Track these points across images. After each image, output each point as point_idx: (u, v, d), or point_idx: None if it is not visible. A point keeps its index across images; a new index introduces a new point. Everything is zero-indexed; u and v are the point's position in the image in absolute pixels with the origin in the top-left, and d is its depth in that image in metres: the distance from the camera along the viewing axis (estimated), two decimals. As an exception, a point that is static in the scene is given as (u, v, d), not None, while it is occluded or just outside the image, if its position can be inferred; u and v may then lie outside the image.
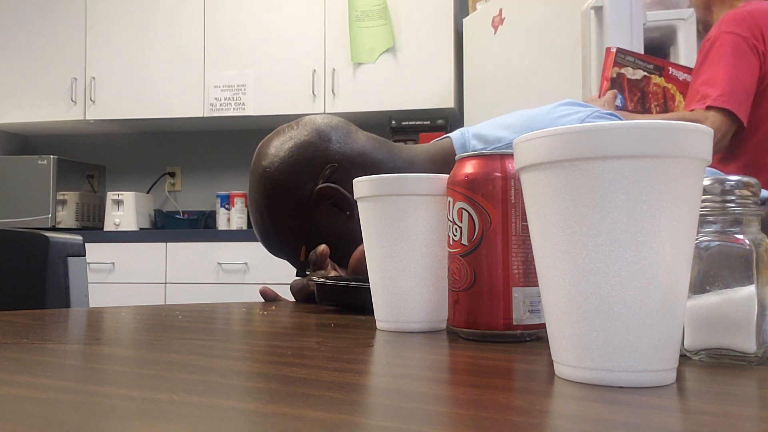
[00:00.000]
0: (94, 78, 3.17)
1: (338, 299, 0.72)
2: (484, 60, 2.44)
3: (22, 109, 3.22)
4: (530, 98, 2.24)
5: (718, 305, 0.40)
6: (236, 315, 0.68)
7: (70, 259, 1.09)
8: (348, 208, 0.86)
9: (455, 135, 0.91)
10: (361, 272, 0.78)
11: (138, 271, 2.82)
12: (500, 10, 2.35)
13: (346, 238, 0.86)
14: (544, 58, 2.19)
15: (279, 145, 0.88)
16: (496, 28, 2.36)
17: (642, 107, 1.67)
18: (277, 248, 0.91)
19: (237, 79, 3.05)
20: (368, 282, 0.58)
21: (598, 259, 0.32)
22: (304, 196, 0.86)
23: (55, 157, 3.06)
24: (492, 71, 2.40)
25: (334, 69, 2.97)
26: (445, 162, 0.88)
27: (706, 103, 1.34)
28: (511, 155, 0.48)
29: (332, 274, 0.82)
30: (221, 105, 3.06)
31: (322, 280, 0.74)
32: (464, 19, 2.58)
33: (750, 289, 0.39)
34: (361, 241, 0.80)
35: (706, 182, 0.40)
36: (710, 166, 1.41)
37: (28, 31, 3.24)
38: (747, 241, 0.39)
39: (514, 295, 0.47)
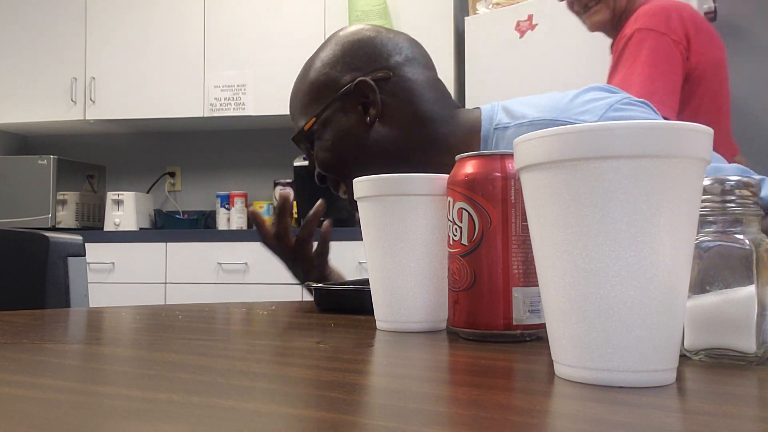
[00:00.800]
0: (94, 78, 3.17)
1: (337, 304, 0.72)
2: (500, 62, 2.43)
3: (22, 109, 3.22)
4: None
5: (718, 305, 0.40)
6: (236, 315, 0.68)
7: (70, 259, 1.09)
8: (373, 117, 0.83)
9: (486, 107, 0.90)
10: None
11: (138, 271, 2.82)
12: (530, 16, 2.35)
13: (351, 146, 0.84)
14: (575, 67, 2.20)
15: (364, 26, 0.89)
16: (523, 32, 2.37)
17: None
18: (295, 108, 0.92)
19: (237, 79, 3.05)
20: (368, 285, 0.58)
21: (598, 259, 0.32)
22: (346, 80, 0.85)
23: (55, 157, 3.06)
24: (510, 74, 2.40)
25: (334, 69, 2.96)
26: (471, 129, 0.87)
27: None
28: (511, 155, 0.48)
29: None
30: (221, 105, 3.06)
31: (321, 285, 0.74)
32: (466, 18, 2.57)
33: (750, 289, 0.39)
34: (364, 165, 0.80)
35: (706, 182, 0.40)
36: None
37: (28, 31, 3.23)
38: (747, 241, 0.39)
39: (514, 295, 0.47)
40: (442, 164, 0.69)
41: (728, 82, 1.37)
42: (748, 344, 0.38)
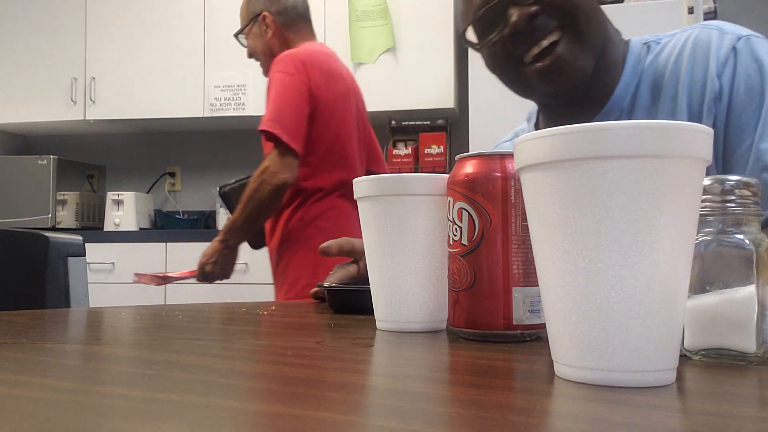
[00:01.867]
0: (94, 78, 3.17)
1: (351, 305, 0.71)
2: None
3: (22, 109, 3.22)
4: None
5: (718, 305, 0.40)
6: (236, 315, 0.68)
7: (70, 259, 1.09)
8: None
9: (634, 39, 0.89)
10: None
11: (138, 270, 2.82)
12: None
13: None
14: None
15: None
16: None
17: None
18: None
19: (237, 79, 3.05)
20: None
21: (598, 259, 0.32)
22: None
23: (55, 157, 3.06)
24: None
25: (334, 69, 2.96)
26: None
27: (259, 128, 1.56)
28: (511, 155, 0.48)
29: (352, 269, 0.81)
30: (221, 105, 3.06)
31: (334, 285, 0.73)
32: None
33: (750, 289, 0.39)
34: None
35: (706, 182, 0.40)
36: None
37: (28, 31, 3.24)
38: (747, 241, 0.39)
39: (514, 295, 0.47)
40: None
41: (352, 112, 1.72)
42: (748, 344, 0.38)
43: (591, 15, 0.81)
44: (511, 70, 0.85)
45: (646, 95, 0.84)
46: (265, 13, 1.78)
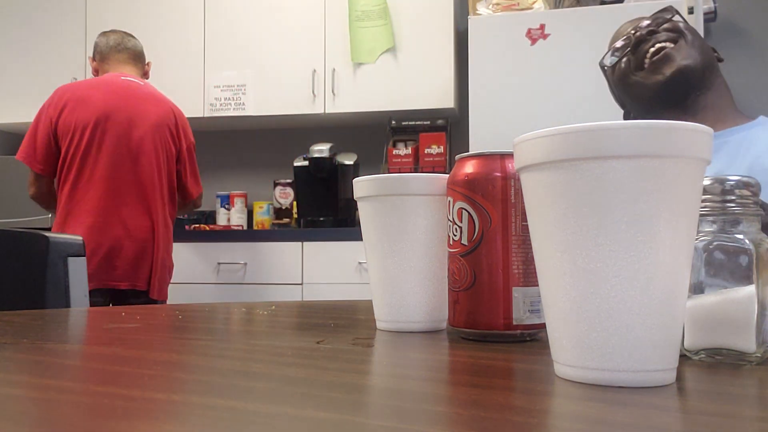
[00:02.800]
0: (94, 78, 3.17)
1: None
2: (508, 67, 2.45)
3: (22, 109, 3.22)
4: (549, 110, 2.35)
5: (718, 305, 0.40)
6: (236, 315, 0.68)
7: (70, 259, 1.09)
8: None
9: None
10: None
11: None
12: (542, 26, 2.38)
13: (710, 56, 1.13)
14: (587, 81, 2.30)
15: None
16: (534, 40, 2.40)
17: None
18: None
19: (237, 79, 3.05)
20: None
21: (598, 259, 0.32)
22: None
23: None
24: (519, 80, 2.42)
25: (334, 69, 2.97)
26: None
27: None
28: (511, 155, 0.48)
29: None
30: (221, 105, 3.06)
31: None
32: (470, 19, 2.57)
33: (750, 289, 0.39)
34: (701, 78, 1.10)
35: (706, 182, 0.40)
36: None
37: (28, 31, 3.24)
38: (747, 241, 0.39)
39: (514, 295, 0.47)
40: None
41: (108, 132, 2.02)
42: (748, 344, 0.38)
43: (711, 61, 1.12)
44: (633, 76, 1.14)
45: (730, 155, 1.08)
46: (89, 58, 2.30)
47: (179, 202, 2.23)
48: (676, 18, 1.14)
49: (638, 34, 1.12)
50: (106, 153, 1.99)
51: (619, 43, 1.16)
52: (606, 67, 1.20)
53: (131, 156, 2.01)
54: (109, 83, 2.07)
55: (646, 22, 1.13)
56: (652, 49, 1.10)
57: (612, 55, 1.18)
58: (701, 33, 2.43)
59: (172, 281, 2.85)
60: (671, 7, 1.15)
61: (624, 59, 1.15)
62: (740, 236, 0.39)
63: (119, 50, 2.21)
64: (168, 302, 2.76)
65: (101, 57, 2.22)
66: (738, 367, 0.38)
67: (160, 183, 2.06)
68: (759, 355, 0.39)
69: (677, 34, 1.11)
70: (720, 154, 1.09)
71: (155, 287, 2.04)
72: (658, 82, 1.10)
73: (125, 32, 2.26)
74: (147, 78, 2.30)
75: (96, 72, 2.24)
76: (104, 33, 2.25)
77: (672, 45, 1.10)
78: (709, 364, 0.39)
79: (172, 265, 2.19)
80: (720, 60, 1.16)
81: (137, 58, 2.24)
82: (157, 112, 2.08)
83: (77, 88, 2.06)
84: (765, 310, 0.39)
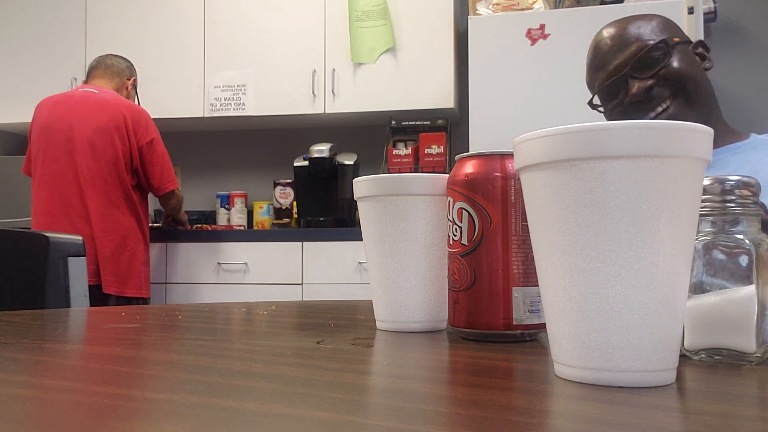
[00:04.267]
0: (94, 78, 3.16)
1: None
2: (507, 66, 2.45)
3: (22, 109, 3.22)
4: (549, 110, 2.35)
5: (718, 305, 0.40)
6: (236, 315, 0.68)
7: (70, 259, 1.09)
8: (706, 68, 1.07)
9: None
10: None
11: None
12: (542, 26, 2.39)
13: (697, 70, 1.04)
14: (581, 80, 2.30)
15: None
16: (534, 40, 2.40)
17: None
18: (649, 29, 1.05)
19: (237, 79, 3.05)
20: None
21: (598, 259, 0.32)
22: (684, 36, 1.07)
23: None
24: (519, 80, 2.43)
25: (334, 69, 2.97)
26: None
27: None
28: (511, 155, 0.48)
29: None
30: (221, 105, 3.06)
31: None
32: (470, 19, 2.57)
33: (750, 289, 0.39)
34: (694, 86, 1.01)
35: (706, 182, 0.40)
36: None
37: (28, 31, 3.24)
38: (747, 241, 0.39)
39: (514, 295, 0.47)
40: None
41: (53, 139, 2.25)
42: (748, 344, 0.38)
43: (699, 82, 1.02)
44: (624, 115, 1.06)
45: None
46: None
47: (161, 199, 2.42)
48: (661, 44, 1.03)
49: (634, 100, 1.02)
50: (49, 159, 2.21)
51: (609, 101, 1.07)
52: (600, 109, 1.12)
53: (71, 161, 2.20)
54: (67, 95, 2.30)
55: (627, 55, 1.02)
56: (651, 115, 1.03)
57: (602, 107, 1.10)
58: (701, 33, 2.43)
59: (171, 281, 2.85)
60: (663, 41, 1.03)
61: (615, 107, 1.06)
62: (740, 236, 0.39)
63: (96, 67, 2.45)
64: (167, 302, 2.76)
65: (86, 75, 2.47)
66: (738, 367, 0.38)
67: (104, 184, 2.21)
68: (759, 355, 0.39)
69: (674, 85, 1.01)
70: (709, 173, 1.04)
71: (110, 282, 2.19)
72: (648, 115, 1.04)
73: (118, 55, 2.51)
74: (127, 93, 2.47)
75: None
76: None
77: (670, 102, 1.01)
78: (709, 364, 0.39)
79: (144, 261, 2.33)
80: (708, 69, 1.09)
81: (114, 74, 2.44)
82: (101, 117, 2.22)
83: (45, 101, 2.30)
84: (765, 310, 0.39)
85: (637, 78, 1.02)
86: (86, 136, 2.21)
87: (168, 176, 2.36)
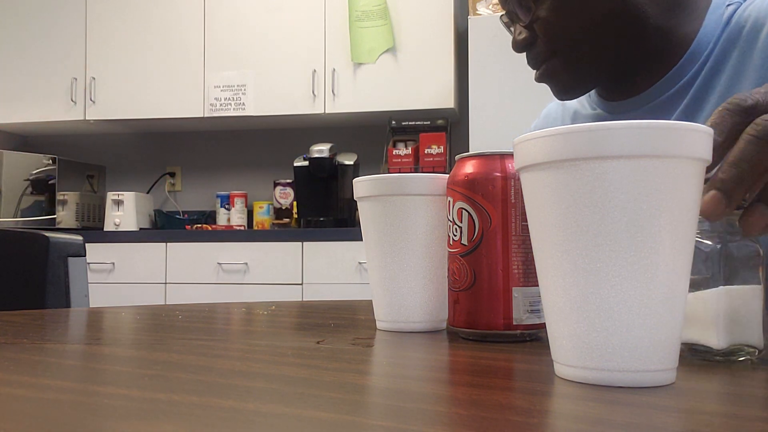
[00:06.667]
0: (94, 78, 3.17)
1: None
2: (507, 66, 2.45)
3: (22, 109, 3.22)
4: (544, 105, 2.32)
5: (689, 302, 0.40)
6: (236, 315, 0.68)
7: (70, 259, 1.09)
8: None
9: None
10: None
11: (138, 271, 2.82)
12: None
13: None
14: None
15: None
16: None
17: None
18: None
19: (237, 79, 3.05)
20: None
21: (598, 259, 0.32)
22: None
23: (55, 157, 3.06)
24: (519, 79, 2.42)
25: (334, 69, 2.97)
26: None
27: None
28: (511, 155, 0.48)
29: None
30: (221, 105, 3.06)
31: None
32: (470, 19, 2.57)
33: (718, 289, 0.39)
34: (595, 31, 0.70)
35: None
36: None
37: (28, 31, 3.24)
38: (750, 240, 0.39)
39: (514, 295, 0.47)
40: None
41: None
42: (713, 340, 0.38)
43: (587, 31, 0.73)
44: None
45: (728, 45, 0.73)
46: None
47: None
48: None
49: (513, 44, 0.79)
50: None
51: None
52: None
53: None
54: None
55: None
56: (536, 74, 0.79)
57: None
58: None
59: (171, 281, 2.86)
60: None
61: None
62: (740, 236, 0.39)
63: None
64: (167, 302, 2.76)
65: None
66: (738, 366, 0.38)
67: None
68: (722, 350, 0.39)
69: (553, 41, 0.74)
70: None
71: None
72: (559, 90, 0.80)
73: None
74: None
75: None
76: None
77: (553, 60, 0.76)
78: (710, 363, 0.39)
79: None
80: None
81: None
82: None
83: None
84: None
85: (516, 22, 0.79)
86: None
87: None
